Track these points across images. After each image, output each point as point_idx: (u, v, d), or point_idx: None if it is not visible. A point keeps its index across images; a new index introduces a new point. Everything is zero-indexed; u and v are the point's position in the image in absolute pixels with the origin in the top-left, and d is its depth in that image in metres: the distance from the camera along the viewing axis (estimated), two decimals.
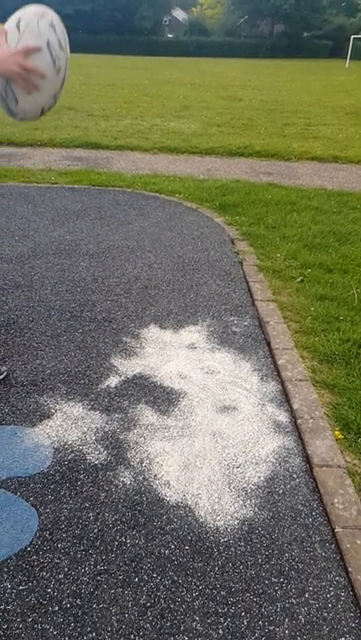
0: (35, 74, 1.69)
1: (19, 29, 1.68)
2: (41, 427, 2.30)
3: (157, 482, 2.03)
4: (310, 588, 1.67)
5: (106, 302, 3.40)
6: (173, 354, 2.88)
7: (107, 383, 2.61)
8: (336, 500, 1.98)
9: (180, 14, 65.99)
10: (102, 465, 2.10)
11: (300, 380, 2.66)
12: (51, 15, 1.71)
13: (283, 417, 2.43)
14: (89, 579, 1.65)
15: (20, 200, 5.47)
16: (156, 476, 2.06)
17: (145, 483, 2.03)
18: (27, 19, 1.69)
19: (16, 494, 1.95)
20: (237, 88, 18.01)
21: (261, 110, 12.67)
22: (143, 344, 2.96)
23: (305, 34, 49.44)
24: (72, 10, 46.81)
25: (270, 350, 2.95)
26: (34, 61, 1.68)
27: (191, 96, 15.13)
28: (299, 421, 2.38)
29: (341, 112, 12.92)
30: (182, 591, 1.63)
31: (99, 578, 1.66)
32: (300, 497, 2.01)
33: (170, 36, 55.86)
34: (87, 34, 46.83)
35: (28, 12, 1.70)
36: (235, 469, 2.11)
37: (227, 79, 21.82)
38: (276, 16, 50.21)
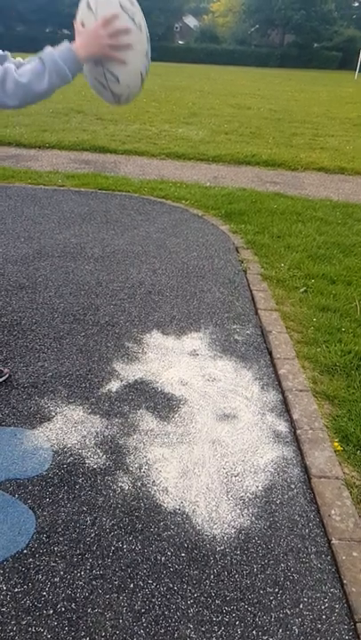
0: (121, 35, 1.69)
1: (91, 9, 1.70)
2: (41, 429, 2.30)
3: (155, 488, 2.04)
4: (305, 599, 1.67)
5: (109, 306, 3.42)
6: (175, 360, 2.89)
7: (108, 387, 2.62)
8: (333, 512, 1.98)
9: (191, 21, 66.32)
10: (101, 469, 2.11)
11: (301, 391, 2.67)
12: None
13: (282, 427, 2.44)
14: (84, 583, 1.66)
15: (26, 202, 5.49)
16: (154, 482, 2.07)
17: (143, 488, 2.03)
18: None
19: (14, 496, 1.96)
20: (246, 96, 18.08)
21: (270, 119, 12.72)
22: (145, 349, 2.97)
23: (315, 45, 49.62)
24: None
25: (272, 360, 2.96)
26: (116, 26, 1.68)
27: (200, 103, 15.19)
28: (298, 432, 2.39)
29: (349, 124, 12.96)
30: (177, 598, 1.63)
31: (94, 582, 1.66)
32: (298, 507, 2.01)
33: (181, 42, 56.13)
34: None
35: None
36: (233, 478, 2.12)
37: (236, 87, 21.91)
38: (287, 26, 50.45)
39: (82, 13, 1.75)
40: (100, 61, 1.76)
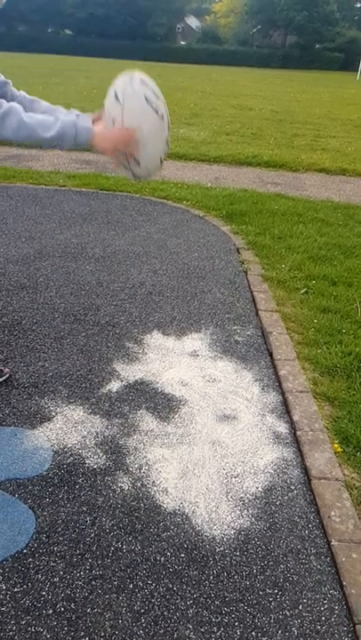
0: (134, 145, 1.87)
1: (118, 100, 1.87)
2: (41, 429, 2.31)
3: (155, 488, 2.04)
4: (304, 601, 1.67)
5: (110, 307, 3.42)
6: (175, 361, 2.89)
7: (108, 388, 2.62)
8: (333, 513, 1.98)
9: (193, 22, 66.36)
10: (101, 469, 2.11)
11: (301, 392, 2.67)
12: (137, 75, 1.91)
13: (282, 428, 2.44)
14: (84, 583, 1.66)
15: (27, 202, 5.50)
16: (154, 482, 2.07)
17: (143, 489, 2.03)
18: (120, 88, 1.87)
19: (14, 496, 1.96)
20: (248, 97, 18.09)
21: (271, 120, 12.72)
22: (146, 350, 2.97)
23: (317, 46, 49.60)
24: (86, 14, 47.19)
25: (272, 361, 2.96)
26: (140, 119, 1.85)
27: (201, 103, 15.20)
28: (298, 433, 2.39)
29: (351, 125, 12.96)
30: (177, 599, 1.63)
31: (94, 582, 1.66)
32: (298, 509, 2.01)
33: (182, 43, 56.17)
34: (100, 38, 47.19)
35: (119, 83, 1.90)
36: (233, 479, 2.12)
37: (238, 88, 21.92)
38: (289, 27, 50.44)
39: (109, 103, 1.90)
40: None
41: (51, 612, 1.57)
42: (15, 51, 39.43)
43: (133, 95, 1.86)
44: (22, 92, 2.06)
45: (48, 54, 39.22)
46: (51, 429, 2.31)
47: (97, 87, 17.45)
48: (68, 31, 51.12)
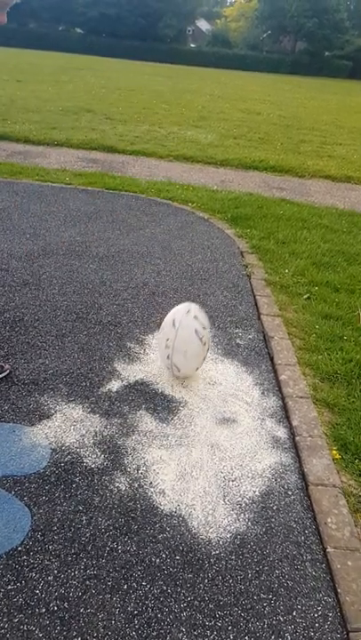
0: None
1: (175, 327, 2.49)
2: (40, 426, 2.30)
3: (152, 490, 2.03)
4: (298, 607, 1.66)
5: (112, 306, 3.41)
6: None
7: (108, 387, 2.61)
8: (330, 520, 1.97)
9: (203, 25, 66.40)
10: (98, 469, 2.10)
11: (301, 397, 2.66)
12: (193, 310, 2.54)
13: (281, 433, 2.43)
14: (78, 583, 1.65)
15: (33, 198, 5.50)
16: (151, 483, 2.06)
17: (140, 490, 2.03)
18: (178, 318, 2.51)
19: (10, 493, 1.95)
20: (256, 102, 18.10)
21: (278, 125, 12.73)
22: (147, 350, 2.97)
23: (326, 53, 49.58)
24: (97, 13, 47.16)
25: (273, 365, 2.95)
26: (187, 345, 2.50)
27: (210, 106, 15.21)
28: (297, 438, 2.38)
29: (357, 133, 12.97)
30: (171, 601, 1.63)
31: (88, 582, 1.66)
32: (294, 514, 2.00)
33: (192, 45, 56.15)
34: (111, 38, 47.14)
35: (178, 313, 2.53)
36: (230, 482, 2.11)
37: (246, 92, 21.93)
38: (299, 33, 50.41)
39: (167, 326, 2.54)
40: (170, 355, 2.55)
41: (44, 610, 1.56)
42: (25, 47, 39.49)
43: (186, 327, 2.48)
44: None
45: (58, 52, 39.26)
46: (49, 427, 2.30)
47: (105, 86, 17.50)
48: (78, 30, 51.10)
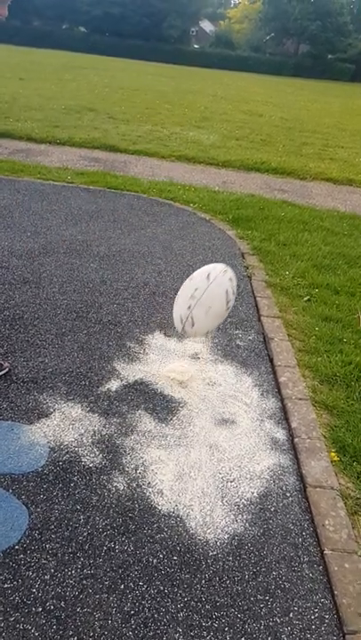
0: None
1: (209, 280, 2.38)
2: (38, 425, 2.30)
3: (151, 490, 2.03)
4: (295, 608, 1.66)
5: (112, 305, 3.41)
6: (176, 362, 2.88)
7: (107, 386, 2.61)
8: (327, 522, 1.97)
9: (207, 26, 66.41)
10: (97, 468, 2.10)
11: (300, 399, 2.66)
12: (230, 272, 2.44)
13: (280, 434, 2.43)
14: (75, 582, 1.65)
15: (34, 196, 5.50)
16: (149, 483, 2.06)
17: (138, 490, 2.02)
18: (214, 273, 2.39)
19: (8, 491, 1.95)
20: (259, 103, 18.11)
21: (281, 127, 12.73)
22: (147, 350, 2.97)
23: (329, 56, 49.60)
24: (101, 12, 47.12)
25: (273, 367, 2.95)
26: (213, 301, 2.37)
27: (212, 107, 15.22)
28: (296, 440, 2.38)
29: (359, 136, 12.98)
30: (167, 601, 1.62)
31: (85, 582, 1.65)
32: (292, 516, 2.00)
33: (196, 46, 56.15)
34: (114, 37, 47.11)
35: (216, 268, 2.41)
36: (228, 483, 2.11)
37: (249, 94, 21.94)
38: (302, 36, 50.43)
39: (200, 276, 2.41)
40: (193, 306, 2.40)
41: (40, 609, 1.56)
42: (29, 45, 39.48)
43: (220, 284, 2.38)
44: None
45: (61, 50, 39.26)
46: (48, 426, 2.30)
47: (108, 86, 17.50)
48: (82, 28, 51.08)
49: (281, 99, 21.34)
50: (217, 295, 2.37)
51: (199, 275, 2.42)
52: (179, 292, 2.49)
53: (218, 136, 10.53)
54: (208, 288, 2.36)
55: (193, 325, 2.43)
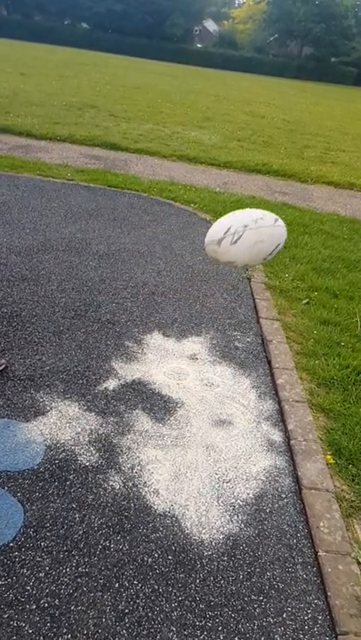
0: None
1: (276, 222, 2.27)
2: (35, 423, 2.30)
3: (146, 489, 2.04)
4: (289, 609, 1.67)
5: (111, 304, 3.41)
6: (174, 363, 2.89)
7: (105, 385, 2.61)
8: (322, 524, 1.98)
9: (211, 25, 66.35)
10: (93, 467, 2.10)
11: (297, 402, 2.67)
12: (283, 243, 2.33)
13: (277, 436, 2.44)
14: (69, 580, 1.65)
15: (34, 193, 5.49)
16: (145, 483, 2.06)
17: (134, 489, 2.03)
18: (281, 225, 2.28)
19: (4, 488, 1.95)
20: (261, 105, 18.12)
21: (283, 130, 12.74)
22: (145, 350, 2.97)
23: (332, 59, 49.65)
24: (104, 8, 47.02)
25: (270, 369, 2.96)
26: (264, 245, 2.23)
27: (214, 108, 15.21)
28: (292, 442, 2.39)
29: None
30: (162, 601, 1.63)
31: (79, 580, 1.66)
32: (287, 517, 2.01)
33: (199, 45, 56.10)
34: (117, 34, 47.02)
35: (283, 226, 2.30)
36: (224, 484, 2.11)
37: (251, 95, 21.95)
38: (305, 38, 50.44)
39: (270, 215, 2.26)
40: (248, 226, 2.21)
41: (34, 607, 1.57)
42: (30, 40, 39.39)
43: (280, 235, 2.28)
44: None
45: (63, 46, 39.20)
46: (44, 424, 2.30)
47: (110, 83, 17.48)
48: (84, 25, 50.97)
49: (283, 100, 21.35)
50: (273, 238, 2.26)
51: (269, 214, 2.30)
52: (239, 211, 2.31)
53: (219, 136, 10.53)
54: (273, 226, 2.26)
55: (234, 243, 2.22)
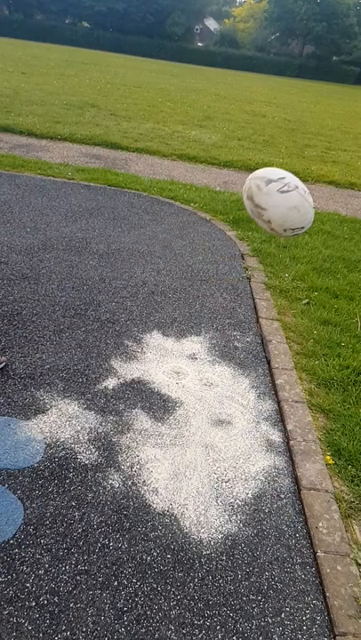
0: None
1: (302, 196, 2.14)
2: (35, 421, 2.31)
3: (146, 488, 2.04)
4: (287, 609, 1.67)
5: (111, 303, 3.42)
6: (174, 362, 2.90)
7: (104, 384, 2.62)
8: (321, 525, 1.99)
9: (212, 24, 66.30)
10: (92, 465, 2.11)
11: (297, 402, 2.67)
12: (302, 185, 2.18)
13: (276, 436, 2.44)
14: (69, 577, 1.66)
15: (34, 192, 5.49)
16: (145, 482, 2.07)
17: (133, 488, 2.03)
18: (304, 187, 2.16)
19: (4, 486, 1.96)
20: (262, 104, 18.11)
21: (283, 129, 12.74)
22: (144, 349, 2.97)
23: (334, 58, 49.67)
24: (105, 7, 47.02)
25: (270, 369, 2.96)
26: (300, 211, 2.12)
27: (215, 107, 15.21)
28: (291, 442, 2.39)
29: None
30: (160, 599, 1.64)
31: (78, 577, 1.67)
32: (286, 518, 2.02)
33: (200, 44, 56.10)
34: (118, 33, 47.02)
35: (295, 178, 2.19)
36: (223, 483, 2.12)
37: (252, 94, 21.94)
38: (307, 37, 50.45)
39: (299, 182, 2.16)
40: (300, 188, 2.15)
41: (34, 604, 1.57)
42: (31, 39, 39.38)
43: (311, 220, 2.19)
44: None
45: (64, 45, 39.19)
46: (44, 422, 2.31)
47: (111, 82, 17.47)
48: (85, 24, 50.96)
49: (284, 100, 21.34)
50: (306, 217, 2.16)
51: (297, 183, 2.20)
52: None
53: (220, 136, 10.53)
54: (311, 208, 2.18)
55: (282, 193, 2.15)
